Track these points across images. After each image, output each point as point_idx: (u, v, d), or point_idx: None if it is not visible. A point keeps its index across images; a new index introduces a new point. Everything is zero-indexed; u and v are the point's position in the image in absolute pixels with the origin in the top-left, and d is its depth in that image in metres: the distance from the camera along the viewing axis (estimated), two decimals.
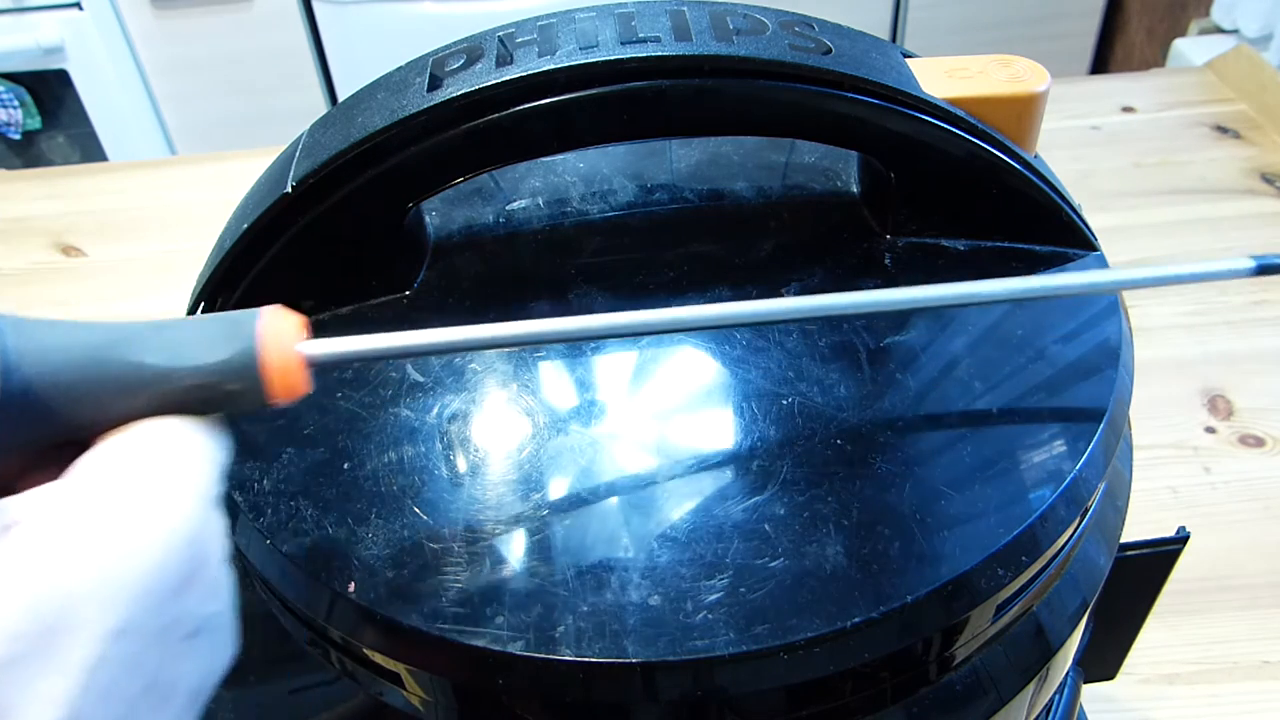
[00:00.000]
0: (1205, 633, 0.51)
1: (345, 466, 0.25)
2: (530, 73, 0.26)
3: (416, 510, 0.23)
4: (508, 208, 0.32)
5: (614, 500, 0.23)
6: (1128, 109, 0.92)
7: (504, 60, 0.27)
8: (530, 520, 0.23)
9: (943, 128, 0.28)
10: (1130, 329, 0.28)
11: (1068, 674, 0.34)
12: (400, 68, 0.28)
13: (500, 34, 0.28)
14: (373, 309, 0.29)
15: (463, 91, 0.26)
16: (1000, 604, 0.24)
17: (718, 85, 0.27)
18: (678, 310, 0.21)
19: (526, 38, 0.27)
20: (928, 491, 0.23)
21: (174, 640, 0.17)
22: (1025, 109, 0.29)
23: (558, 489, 0.24)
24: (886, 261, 0.29)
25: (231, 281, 0.29)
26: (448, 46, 0.28)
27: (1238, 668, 0.50)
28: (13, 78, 1.52)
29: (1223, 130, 0.88)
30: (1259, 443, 0.61)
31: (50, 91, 1.54)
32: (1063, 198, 0.30)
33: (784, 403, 0.25)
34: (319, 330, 0.29)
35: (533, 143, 0.28)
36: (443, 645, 0.21)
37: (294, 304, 0.29)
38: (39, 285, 0.81)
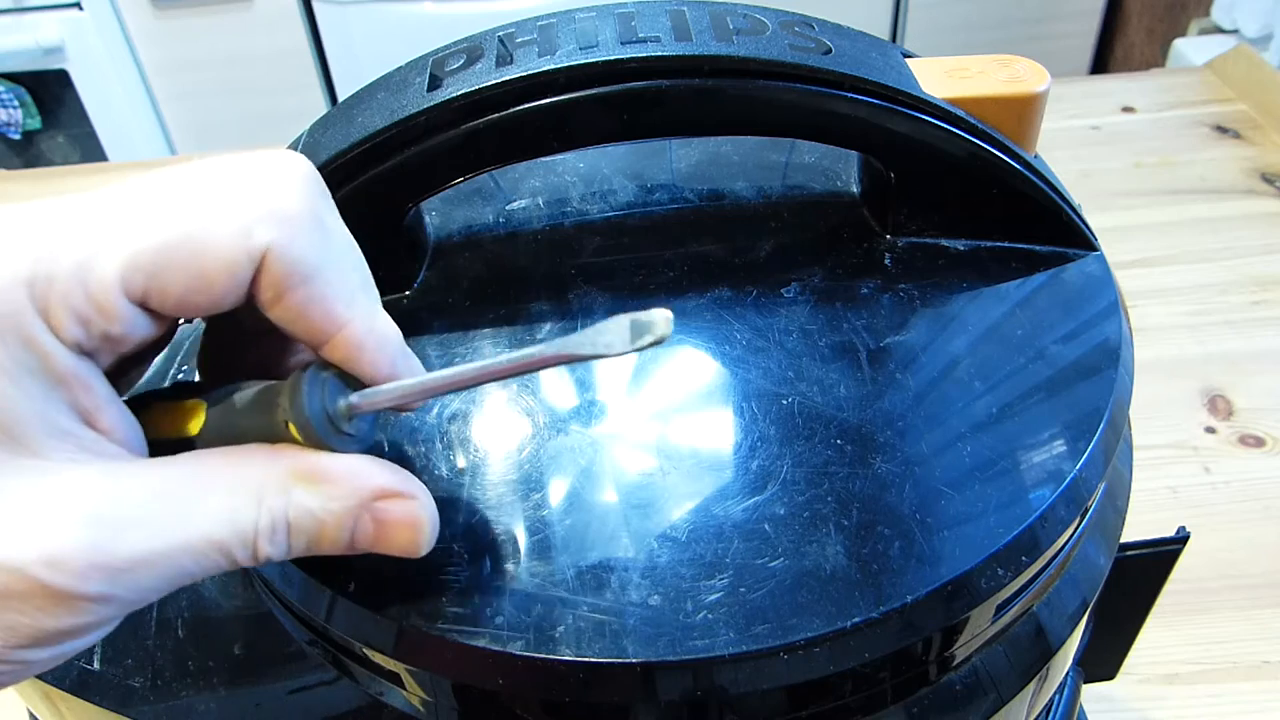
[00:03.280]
0: (1205, 633, 0.51)
1: None
2: (530, 73, 0.26)
3: None
4: (508, 208, 0.32)
5: (614, 500, 0.23)
6: (1128, 109, 0.92)
7: (504, 60, 0.27)
8: (530, 520, 0.23)
9: (943, 128, 0.28)
10: (1130, 329, 0.28)
11: (1068, 674, 0.34)
12: (400, 68, 0.28)
13: (500, 34, 0.28)
14: None
15: (462, 91, 0.26)
16: (1000, 604, 0.24)
17: (718, 85, 0.27)
18: None
19: (526, 38, 0.27)
20: (928, 491, 0.23)
21: None
22: (1025, 109, 0.29)
23: (558, 489, 0.24)
24: (886, 261, 0.29)
25: None
26: (448, 46, 0.28)
27: (1238, 668, 0.50)
28: (13, 78, 1.52)
29: (1223, 130, 0.88)
30: (1259, 443, 0.61)
31: (50, 91, 1.54)
32: (1063, 198, 0.30)
33: (784, 403, 0.25)
34: None
35: (533, 143, 0.28)
36: (443, 645, 0.21)
37: None
38: None
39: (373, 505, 0.20)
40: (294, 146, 0.29)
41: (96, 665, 0.27)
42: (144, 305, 0.18)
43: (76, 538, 0.17)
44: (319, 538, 0.20)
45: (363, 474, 0.20)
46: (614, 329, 0.19)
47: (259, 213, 0.19)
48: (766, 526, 0.22)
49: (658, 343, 0.18)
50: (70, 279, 0.17)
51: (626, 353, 0.19)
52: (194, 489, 0.19)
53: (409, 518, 0.20)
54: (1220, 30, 1.25)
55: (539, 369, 0.20)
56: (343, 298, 0.20)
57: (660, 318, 0.18)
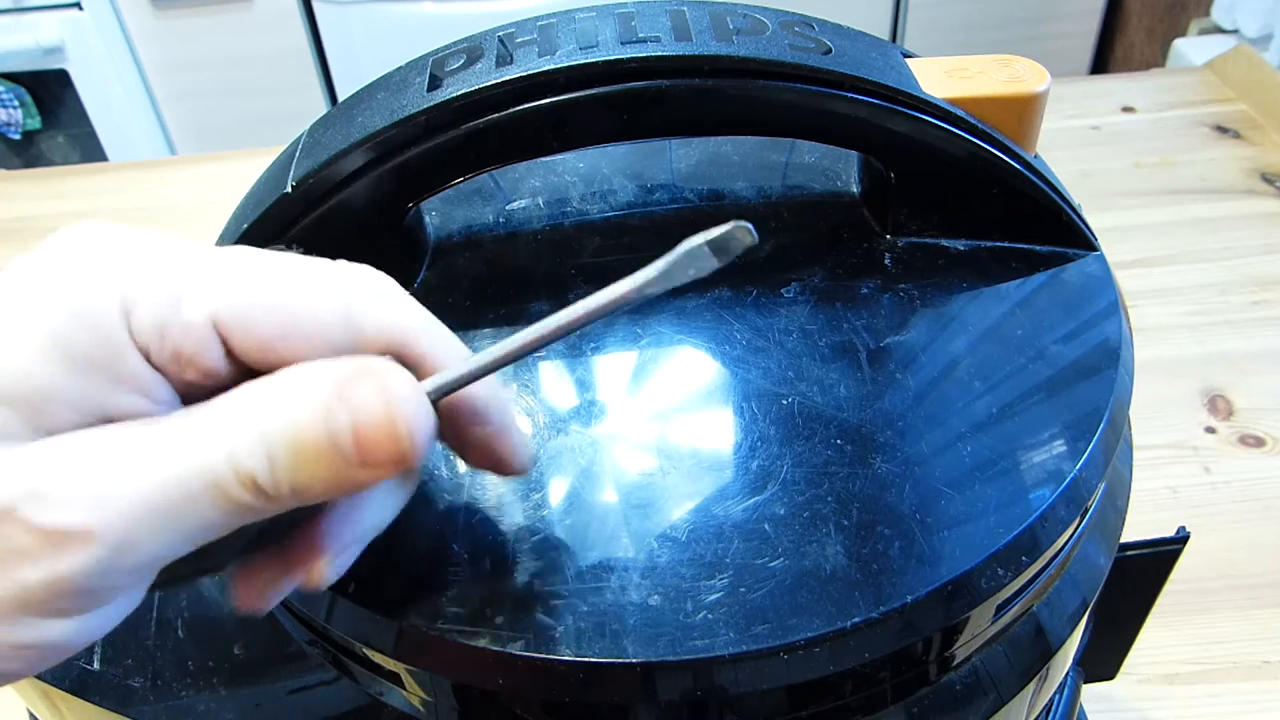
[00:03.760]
0: (1205, 633, 0.51)
1: None
2: (530, 73, 0.26)
3: (416, 510, 0.23)
4: (508, 208, 0.32)
5: (614, 500, 0.23)
6: (1128, 109, 0.92)
7: (504, 60, 0.27)
8: (530, 520, 0.23)
9: (943, 128, 0.28)
10: (1130, 329, 0.28)
11: (1068, 674, 0.34)
12: (400, 68, 0.28)
13: (500, 34, 0.28)
14: None
15: (462, 91, 0.26)
16: (1000, 604, 0.24)
17: (718, 85, 0.27)
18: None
19: (526, 38, 0.27)
20: (928, 491, 0.23)
21: None
22: (1025, 109, 0.29)
23: (558, 489, 0.24)
24: (886, 261, 0.29)
25: None
26: (448, 46, 0.28)
27: (1238, 668, 0.50)
28: (13, 78, 1.52)
29: (1223, 130, 0.88)
30: (1259, 443, 0.61)
31: (50, 91, 1.54)
32: (1063, 198, 0.30)
33: (784, 403, 0.25)
34: None
35: (533, 143, 0.28)
36: (443, 645, 0.21)
37: None
38: None
39: (342, 392, 0.18)
40: (294, 146, 0.29)
41: (96, 665, 0.27)
42: (224, 341, 0.18)
43: (62, 471, 0.17)
44: (299, 448, 0.18)
45: (332, 365, 0.19)
46: (691, 254, 0.18)
47: (358, 290, 0.20)
48: (766, 526, 0.22)
49: (750, 249, 0.18)
50: (165, 293, 0.18)
51: (713, 270, 0.18)
52: (182, 426, 0.18)
53: (379, 399, 0.18)
54: (1220, 30, 1.25)
55: (612, 312, 0.19)
56: (453, 364, 0.20)
57: (738, 229, 0.18)
